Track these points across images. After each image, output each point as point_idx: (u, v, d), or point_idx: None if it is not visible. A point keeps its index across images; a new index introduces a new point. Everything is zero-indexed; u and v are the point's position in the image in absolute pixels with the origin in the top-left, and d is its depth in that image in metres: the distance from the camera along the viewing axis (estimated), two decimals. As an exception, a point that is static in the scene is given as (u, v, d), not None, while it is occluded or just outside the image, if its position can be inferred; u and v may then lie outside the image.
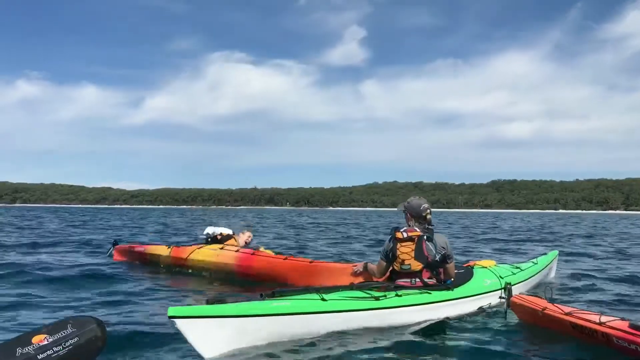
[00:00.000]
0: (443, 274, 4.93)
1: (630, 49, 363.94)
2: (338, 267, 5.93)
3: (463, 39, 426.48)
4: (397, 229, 4.88)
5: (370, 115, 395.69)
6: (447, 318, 4.68)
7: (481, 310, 5.03)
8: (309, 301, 3.99)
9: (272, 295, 3.94)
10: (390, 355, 3.73)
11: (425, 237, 4.81)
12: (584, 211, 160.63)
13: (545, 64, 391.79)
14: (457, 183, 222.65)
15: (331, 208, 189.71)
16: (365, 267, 5.44)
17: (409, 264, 4.74)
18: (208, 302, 3.59)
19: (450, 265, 4.96)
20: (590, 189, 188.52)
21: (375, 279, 5.13)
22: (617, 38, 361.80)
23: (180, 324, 3.39)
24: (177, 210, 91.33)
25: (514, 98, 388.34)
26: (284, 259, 6.58)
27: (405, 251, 4.76)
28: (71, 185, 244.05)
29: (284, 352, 3.67)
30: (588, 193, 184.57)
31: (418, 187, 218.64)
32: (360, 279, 5.35)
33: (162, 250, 8.18)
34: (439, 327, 4.44)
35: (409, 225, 4.95)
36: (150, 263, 8.30)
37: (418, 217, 4.98)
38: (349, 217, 52.54)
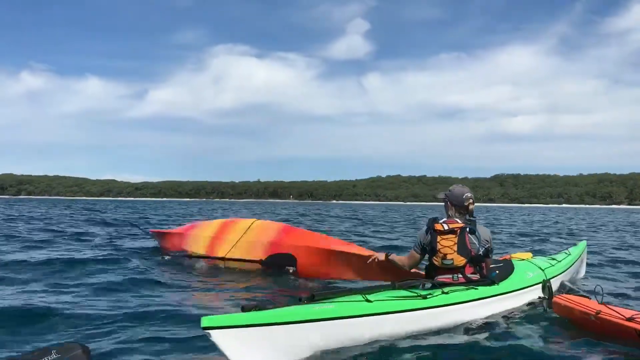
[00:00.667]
0: (485, 269, 4.62)
1: (635, 42, 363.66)
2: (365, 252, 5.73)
3: (467, 32, 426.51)
4: (435, 221, 4.53)
5: (374, 108, 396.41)
6: (494, 315, 4.45)
7: (526, 305, 4.82)
8: (354, 303, 3.69)
9: (312, 299, 3.62)
10: (440, 357, 3.58)
11: (468, 229, 4.46)
12: (588, 205, 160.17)
13: (549, 58, 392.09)
14: (460, 177, 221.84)
15: (334, 202, 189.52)
16: (387, 257, 5.09)
17: (451, 259, 4.40)
18: (244, 309, 3.23)
19: (489, 260, 4.69)
20: (593, 183, 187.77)
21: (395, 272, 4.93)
22: (622, 32, 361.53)
23: (217, 336, 2.96)
24: (182, 203, 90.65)
25: (518, 92, 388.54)
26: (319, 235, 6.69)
27: (447, 245, 4.41)
28: (75, 178, 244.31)
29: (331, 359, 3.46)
30: (592, 187, 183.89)
31: (421, 181, 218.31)
32: (378, 269, 5.14)
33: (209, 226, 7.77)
34: (486, 326, 4.24)
35: (449, 216, 4.63)
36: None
37: (460, 207, 4.64)
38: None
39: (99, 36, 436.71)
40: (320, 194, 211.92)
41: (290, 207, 67.45)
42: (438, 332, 3.99)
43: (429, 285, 4.37)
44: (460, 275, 4.46)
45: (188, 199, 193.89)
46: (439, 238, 4.44)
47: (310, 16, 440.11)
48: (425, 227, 4.63)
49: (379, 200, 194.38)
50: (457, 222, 4.48)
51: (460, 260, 4.41)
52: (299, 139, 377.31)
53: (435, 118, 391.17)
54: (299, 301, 3.58)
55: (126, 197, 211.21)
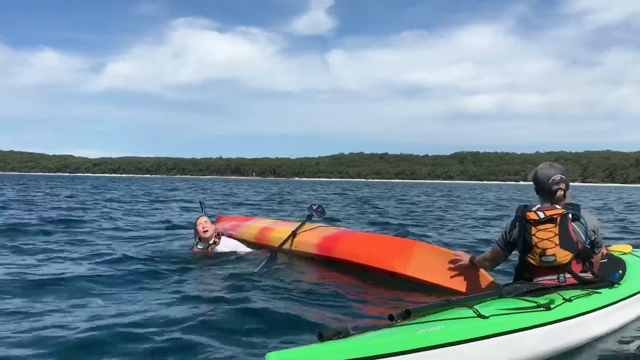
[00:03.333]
0: (595, 267, 3.76)
1: (591, 24, 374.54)
2: (442, 252, 4.86)
3: (429, 10, 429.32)
4: (526, 208, 3.70)
5: (337, 85, 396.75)
6: (630, 324, 3.70)
7: None
8: (466, 321, 2.81)
9: (408, 316, 2.79)
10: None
11: (570, 215, 3.62)
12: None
13: (509, 37, 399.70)
14: (421, 154, 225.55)
15: (297, 179, 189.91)
16: (471, 261, 4.40)
17: (553, 254, 3.55)
18: (323, 337, 2.44)
19: (598, 257, 3.84)
20: (550, 161, 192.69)
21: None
22: (579, 13, 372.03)
23: None
24: (144, 180, 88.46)
25: (478, 71, 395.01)
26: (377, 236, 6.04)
27: (546, 237, 3.57)
28: (31, 153, 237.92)
29: None
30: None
31: (384, 159, 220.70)
32: (463, 274, 4.45)
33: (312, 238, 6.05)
34: (627, 340, 3.49)
35: (543, 203, 3.75)
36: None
37: (546, 193, 3.77)
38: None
39: (55, 7, 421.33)
40: (283, 171, 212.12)
41: (267, 186, 66.78)
42: (572, 352, 3.23)
43: (552, 290, 3.51)
44: (568, 276, 3.62)
45: (148, 175, 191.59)
46: (533, 229, 3.61)
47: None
48: (512, 218, 3.89)
49: (342, 178, 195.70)
50: (557, 208, 3.65)
51: (564, 256, 3.56)
52: (262, 115, 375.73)
53: (398, 96, 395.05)
54: (391, 321, 2.76)
55: (84, 172, 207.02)
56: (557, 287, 3.48)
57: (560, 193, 3.74)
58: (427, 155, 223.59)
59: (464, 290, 4.40)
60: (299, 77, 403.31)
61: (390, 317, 2.79)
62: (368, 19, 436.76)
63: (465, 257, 4.46)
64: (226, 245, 6.68)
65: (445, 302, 3.07)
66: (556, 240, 3.54)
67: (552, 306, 3.17)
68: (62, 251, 6.69)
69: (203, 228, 6.47)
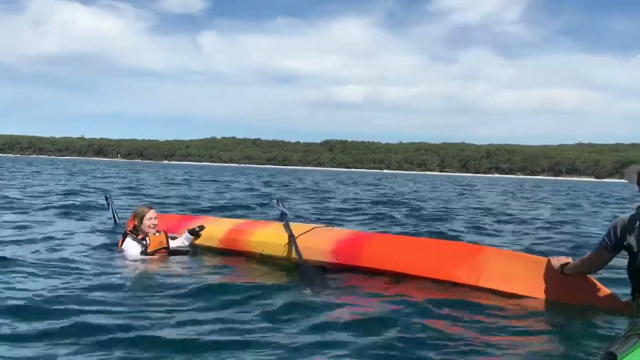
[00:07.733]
0: None
1: (452, 23, 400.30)
2: (520, 257, 4.33)
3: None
4: None
5: (209, 68, 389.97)
6: None
7: None
8: None
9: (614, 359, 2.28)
10: None
11: None
12: (405, 172, 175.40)
13: (377, 31, 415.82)
14: (293, 141, 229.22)
15: (166, 162, 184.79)
16: (563, 270, 3.85)
17: None
18: None
19: None
20: (411, 151, 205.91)
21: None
22: (442, 12, 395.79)
23: None
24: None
25: (349, 62, 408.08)
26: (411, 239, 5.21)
27: None
28: None
29: None
30: (409, 155, 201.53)
31: (256, 144, 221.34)
32: (558, 282, 3.88)
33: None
34: None
35: None
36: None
37: None
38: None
39: None
40: (151, 154, 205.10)
41: (123, 167, 64.32)
42: None
43: None
44: None
45: (0, 155, 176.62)
46: None
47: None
48: (628, 217, 3.39)
49: (213, 162, 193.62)
50: None
51: None
52: (128, 94, 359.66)
53: (271, 82, 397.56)
54: None
55: None
56: None
57: None
58: (298, 142, 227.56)
59: (567, 301, 3.87)
60: (169, 56, 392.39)
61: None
62: (242, 2, 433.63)
63: (554, 261, 3.94)
64: (178, 248, 5.40)
65: (634, 335, 2.47)
66: None
67: None
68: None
69: (153, 225, 5.12)
